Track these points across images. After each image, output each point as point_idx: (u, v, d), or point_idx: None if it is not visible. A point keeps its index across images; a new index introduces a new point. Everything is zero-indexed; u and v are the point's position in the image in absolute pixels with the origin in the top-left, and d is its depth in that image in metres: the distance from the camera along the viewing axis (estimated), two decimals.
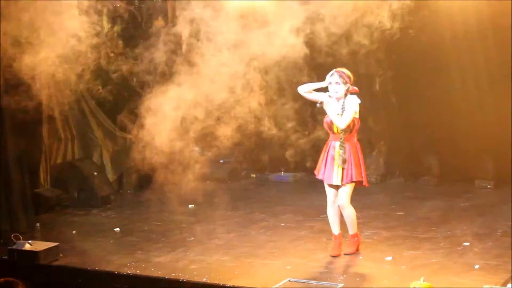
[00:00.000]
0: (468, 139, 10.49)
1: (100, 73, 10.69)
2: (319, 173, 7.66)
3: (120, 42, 10.51)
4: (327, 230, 8.51)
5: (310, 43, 8.93)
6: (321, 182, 10.91)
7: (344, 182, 7.44)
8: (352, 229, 7.63)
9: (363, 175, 7.50)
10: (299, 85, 7.74)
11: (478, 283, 6.56)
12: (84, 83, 10.70)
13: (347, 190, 7.48)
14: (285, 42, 8.86)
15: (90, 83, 10.70)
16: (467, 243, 7.82)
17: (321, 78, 7.67)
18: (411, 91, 10.77)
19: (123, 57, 10.63)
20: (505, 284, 6.41)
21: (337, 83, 7.40)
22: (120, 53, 10.55)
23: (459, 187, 10.47)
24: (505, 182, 10.22)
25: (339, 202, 7.56)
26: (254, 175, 12.19)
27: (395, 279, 6.81)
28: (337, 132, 7.45)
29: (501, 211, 9.14)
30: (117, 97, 10.78)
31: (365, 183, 7.56)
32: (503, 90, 10.01)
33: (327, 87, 7.51)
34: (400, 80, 10.79)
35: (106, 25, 10.49)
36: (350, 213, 7.54)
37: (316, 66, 9.86)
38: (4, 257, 7.89)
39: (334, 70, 7.49)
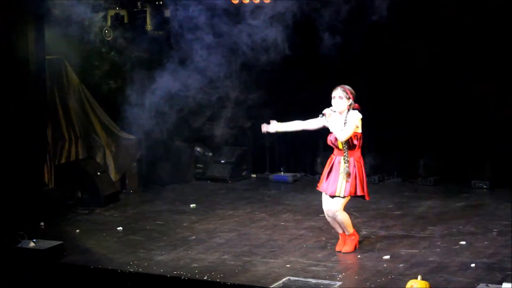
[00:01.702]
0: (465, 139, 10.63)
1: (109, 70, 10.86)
2: (321, 186, 7.78)
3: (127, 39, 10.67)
4: (326, 229, 8.63)
5: None
6: None
7: (345, 195, 7.56)
8: (348, 231, 7.75)
9: (365, 190, 7.62)
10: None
11: (474, 281, 6.63)
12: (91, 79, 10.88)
13: (342, 200, 7.61)
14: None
15: (98, 80, 10.87)
16: (464, 242, 7.90)
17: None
18: (410, 88, 10.86)
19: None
20: (500, 282, 6.45)
21: (340, 97, 7.55)
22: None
23: (456, 187, 10.58)
24: (501, 182, 10.36)
25: (332, 209, 7.65)
26: (254, 175, 12.29)
27: (392, 277, 6.87)
28: (342, 148, 7.58)
29: (497, 211, 9.25)
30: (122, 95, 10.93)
31: (366, 197, 7.70)
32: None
33: (330, 102, 7.65)
34: (400, 77, 10.88)
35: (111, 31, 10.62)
36: (343, 218, 7.66)
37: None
38: (9, 255, 7.96)
39: (338, 86, 7.61)
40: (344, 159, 7.55)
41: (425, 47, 10.53)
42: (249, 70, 10.79)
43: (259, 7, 10.03)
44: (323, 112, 7.58)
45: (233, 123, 11.68)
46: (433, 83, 10.67)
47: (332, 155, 7.74)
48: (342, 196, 7.55)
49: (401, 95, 10.87)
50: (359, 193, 7.57)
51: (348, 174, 7.51)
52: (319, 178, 11.01)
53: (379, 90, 10.76)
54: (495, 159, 10.47)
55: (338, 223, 7.74)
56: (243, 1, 10.35)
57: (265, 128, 7.93)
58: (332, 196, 7.62)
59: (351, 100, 7.56)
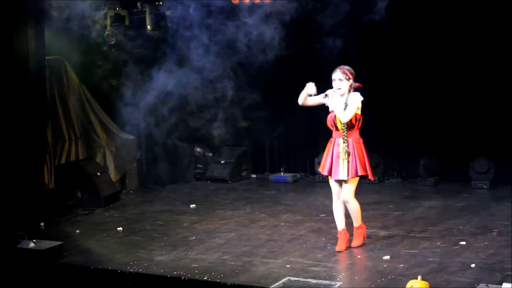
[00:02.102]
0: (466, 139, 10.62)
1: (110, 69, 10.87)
2: (324, 169, 7.79)
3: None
4: (326, 229, 8.64)
5: None
6: (320, 182, 11.06)
7: (350, 177, 7.58)
8: (356, 221, 7.80)
9: (367, 169, 7.65)
10: None
11: (474, 281, 6.64)
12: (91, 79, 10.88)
13: (351, 185, 7.65)
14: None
15: (98, 80, 10.87)
16: (464, 243, 7.90)
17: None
18: (409, 88, 10.86)
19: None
20: (500, 282, 6.46)
21: (340, 79, 7.60)
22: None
23: (456, 187, 10.58)
24: (501, 182, 10.36)
25: (343, 197, 7.70)
26: (254, 175, 12.29)
27: (392, 277, 6.88)
28: (341, 128, 7.62)
29: (497, 211, 9.25)
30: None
31: (370, 177, 7.74)
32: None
33: (331, 83, 7.68)
34: (399, 78, 10.87)
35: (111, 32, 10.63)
36: (354, 206, 7.71)
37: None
38: (9, 255, 7.98)
39: (337, 67, 7.66)
40: (343, 139, 7.59)
41: (425, 47, 10.54)
42: (248, 70, 10.78)
43: (258, 6, 10.03)
44: (326, 93, 7.63)
45: (232, 123, 11.67)
46: (433, 83, 10.66)
47: (331, 139, 7.77)
48: (346, 178, 7.58)
49: (401, 95, 10.87)
50: (360, 173, 7.58)
51: (348, 154, 7.55)
52: (319, 178, 11.15)
53: (378, 90, 10.72)
54: (495, 158, 10.45)
55: (343, 214, 7.76)
56: (243, 0, 10.35)
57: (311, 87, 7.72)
58: (339, 181, 7.66)
59: (351, 81, 7.60)
